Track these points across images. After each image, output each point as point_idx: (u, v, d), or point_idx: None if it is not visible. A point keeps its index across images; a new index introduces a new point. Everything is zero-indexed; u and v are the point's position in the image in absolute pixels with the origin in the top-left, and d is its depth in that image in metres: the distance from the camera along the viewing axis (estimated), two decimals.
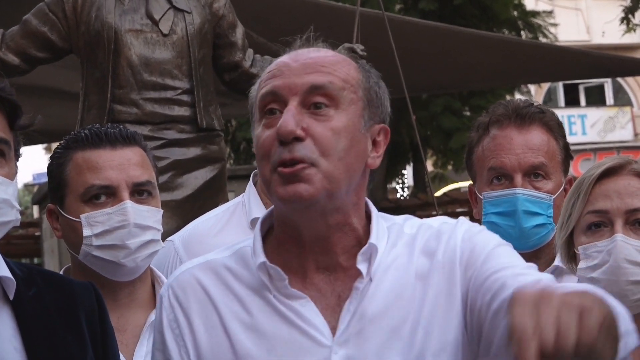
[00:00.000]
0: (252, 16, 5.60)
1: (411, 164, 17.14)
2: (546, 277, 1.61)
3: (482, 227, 1.77)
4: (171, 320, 1.73)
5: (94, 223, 2.35)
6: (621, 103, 26.17)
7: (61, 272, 2.44)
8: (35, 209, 20.64)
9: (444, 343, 1.66)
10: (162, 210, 2.45)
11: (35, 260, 16.43)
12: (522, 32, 14.55)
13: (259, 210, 2.60)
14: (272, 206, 1.77)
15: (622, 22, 13.89)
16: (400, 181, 18.29)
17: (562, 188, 2.57)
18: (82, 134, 2.41)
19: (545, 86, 24.16)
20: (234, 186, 5.74)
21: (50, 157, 2.47)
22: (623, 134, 25.34)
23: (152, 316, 2.38)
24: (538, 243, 2.56)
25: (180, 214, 3.81)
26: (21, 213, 1.97)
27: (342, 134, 1.66)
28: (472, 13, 13.64)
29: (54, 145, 2.78)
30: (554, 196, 2.55)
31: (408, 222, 1.78)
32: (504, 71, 9.15)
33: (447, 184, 17.85)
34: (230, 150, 15.66)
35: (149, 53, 3.88)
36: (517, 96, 13.62)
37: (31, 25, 3.92)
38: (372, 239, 1.70)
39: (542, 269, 2.53)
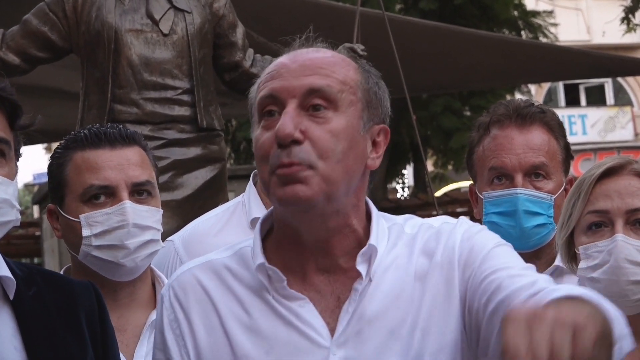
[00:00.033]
0: (252, 16, 5.60)
1: (411, 164, 17.16)
2: (543, 278, 1.60)
3: (482, 227, 1.76)
4: (172, 320, 1.73)
5: (93, 223, 2.35)
6: (621, 103, 26.17)
7: (61, 272, 2.44)
8: (36, 208, 20.64)
9: (442, 344, 1.66)
10: (162, 210, 2.45)
11: (36, 260, 16.43)
12: (523, 32, 14.56)
13: (259, 210, 2.60)
14: (272, 206, 1.76)
15: (622, 22, 13.88)
16: (400, 181, 18.30)
17: (562, 188, 2.57)
18: (82, 134, 2.41)
19: (546, 86, 24.16)
20: (234, 186, 5.74)
21: (50, 157, 2.47)
22: (623, 133, 25.35)
23: (153, 316, 2.38)
24: (539, 243, 2.56)
25: (181, 213, 3.81)
26: (21, 213, 1.97)
27: (340, 136, 1.65)
28: (473, 13, 13.64)
29: (54, 145, 2.77)
30: (555, 196, 2.54)
31: (409, 222, 1.78)
32: (504, 71, 9.16)
33: (447, 184, 17.86)
34: (231, 150, 15.66)
35: (149, 53, 3.88)
36: (518, 96, 13.62)
37: (31, 25, 3.92)
38: (372, 240, 1.70)
39: (542, 268, 2.54)
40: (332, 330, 1.67)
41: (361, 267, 1.68)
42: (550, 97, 25.61)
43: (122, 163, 2.37)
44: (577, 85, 25.74)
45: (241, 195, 2.76)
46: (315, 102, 1.65)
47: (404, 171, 17.88)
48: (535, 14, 15.20)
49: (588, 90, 26.37)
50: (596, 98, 26.34)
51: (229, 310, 1.71)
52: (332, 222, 1.68)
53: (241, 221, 2.68)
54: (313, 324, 1.67)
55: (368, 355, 1.65)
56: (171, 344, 1.72)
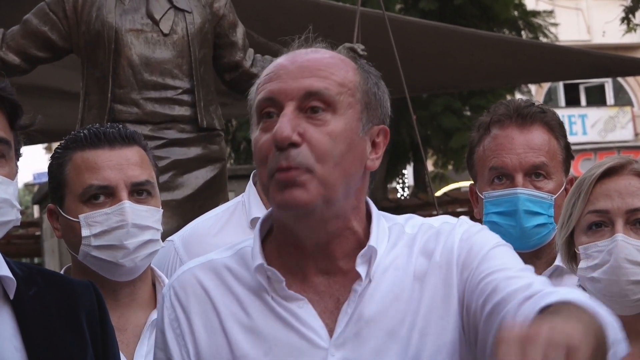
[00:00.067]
0: (252, 16, 5.60)
1: (411, 164, 17.16)
2: (539, 280, 1.60)
3: (482, 227, 1.76)
4: (172, 319, 1.73)
5: (92, 223, 2.34)
6: (622, 103, 26.17)
7: (62, 272, 2.44)
8: (36, 208, 20.64)
9: (440, 345, 1.65)
10: (162, 210, 2.44)
11: (36, 260, 16.44)
12: (523, 32, 14.55)
13: (259, 210, 2.59)
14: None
15: (622, 22, 13.88)
16: (400, 181, 18.29)
17: (563, 188, 2.57)
18: (81, 134, 2.41)
19: (546, 86, 24.16)
20: (234, 186, 5.74)
21: (51, 157, 2.47)
22: (623, 133, 25.35)
23: (153, 316, 2.38)
24: (539, 243, 2.56)
25: (181, 213, 3.81)
26: (21, 213, 1.97)
27: (339, 139, 1.64)
28: (473, 13, 13.64)
29: (55, 145, 2.78)
30: (555, 196, 2.54)
31: (410, 222, 1.77)
32: (504, 71, 9.16)
33: (447, 184, 17.86)
34: (231, 150, 15.66)
35: (149, 53, 3.88)
36: (518, 96, 13.62)
37: (32, 25, 3.92)
38: (372, 241, 1.69)
39: (543, 268, 2.54)
40: (331, 332, 1.67)
41: (361, 269, 1.68)
42: (550, 97, 25.61)
43: (122, 163, 2.36)
44: (577, 85, 25.74)
45: (241, 195, 2.76)
46: (313, 104, 1.65)
47: (404, 171, 17.87)
48: (535, 13, 15.20)
49: (588, 90, 26.37)
50: (596, 98, 26.34)
51: (228, 310, 1.71)
52: (332, 225, 1.68)
53: (241, 221, 2.68)
54: (312, 325, 1.67)
55: (366, 356, 1.65)
56: (171, 344, 1.72)
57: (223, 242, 1.97)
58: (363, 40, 4.72)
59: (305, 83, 1.66)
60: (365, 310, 1.67)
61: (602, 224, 2.11)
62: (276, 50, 1.84)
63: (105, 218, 2.34)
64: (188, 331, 1.72)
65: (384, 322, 1.66)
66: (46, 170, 2.53)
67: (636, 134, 25.51)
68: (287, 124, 1.63)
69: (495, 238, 1.73)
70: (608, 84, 26.05)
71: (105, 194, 2.35)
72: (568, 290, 1.52)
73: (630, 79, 25.06)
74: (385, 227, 1.75)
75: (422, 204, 14.30)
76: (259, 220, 1.78)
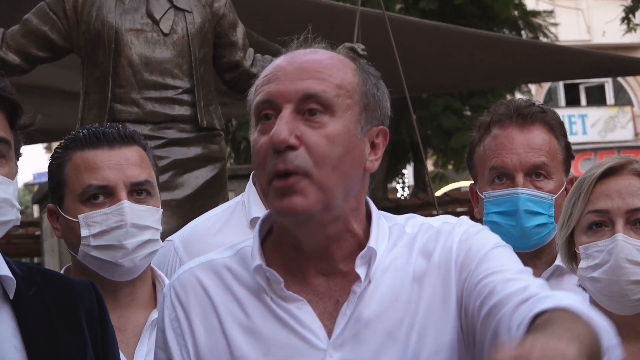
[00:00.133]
0: (252, 15, 5.60)
1: (411, 164, 17.16)
2: (535, 283, 1.59)
3: (482, 227, 1.75)
4: (172, 319, 1.73)
5: (91, 223, 2.34)
6: (622, 103, 26.17)
7: (62, 272, 2.44)
8: (36, 208, 20.64)
9: (439, 346, 1.65)
10: (162, 210, 2.44)
11: (36, 260, 16.44)
12: (523, 32, 14.56)
13: (259, 210, 2.59)
14: None
15: (622, 21, 13.88)
16: (400, 181, 18.30)
17: (563, 187, 2.57)
18: (81, 134, 2.41)
19: (546, 86, 24.16)
20: (234, 186, 5.74)
21: (50, 157, 2.47)
22: (623, 133, 25.35)
23: (153, 315, 2.38)
24: (539, 243, 2.56)
25: (181, 213, 3.81)
26: (21, 212, 1.97)
27: (336, 141, 1.64)
28: (473, 13, 13.64)
29: (55, 144, 2.78)
30: (556, 196, 2.54)
31: (410, 222, 1.77)
32: (504, 71, 9.16)
33: (447, 184, 17.86)
34: (231, 150, 15.66)
35: (149, 52, 3.88)
36: (518, 96, 13.62)
37: (32, 25, 3.92)
38: (371, 242, 1.69)
39: (543, 268, 2.54)
40: (330, 333, 1.66)
41: (360, 270, 1.68)
42: (551, 96, 25.61)
43: (121, 163, 2.36)
44: (577, 85, 25.74)
45: (241, 194, 2.76)
46: (311, 107, 1.64)
47: (404, 171, 17.88)
48: (535, 13, 15.20)
49: (588, 90, 26.37)
50: (596, 98, 26.33)
51: (228, 310, 1.71)
52: (331, 229, 1.67)
53: (241, 221, 2.68)
54: (310, 326, 1.67)
55: (365, 357, 1.64)
56: (172, 343, 1.72)
57: (223, 241, 1.97)
58: (363, 40, 4.72)
59: (302, 85, 1.65)
60: (364, 312, 1.66)
61: (602, 224, 2.11)
62: (276, 50, 1.84)
63: (105, 218, 2.34)
64: (188, 331, 1.72)
65: (383, 323, 1.66)
66: (46, 170, 2.53)
67: (636, 134, 25.51)
68: (284, 127, 1.62)
69: (494, 239, 1.72)
70: (608, 83, 26.05)
71: (105, 194, 2.35)
72: (563, 295, 1.52)
73: (630, 79, 25.06)
74: (386, 228, 1.75)
75: (422, 203, 14.30)
76: (259, 221, 1.78)
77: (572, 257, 2.19)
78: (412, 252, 1.71)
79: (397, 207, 13.88)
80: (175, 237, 2.76)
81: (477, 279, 1.64)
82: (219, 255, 1.78)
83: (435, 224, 1.75)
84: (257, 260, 1.70)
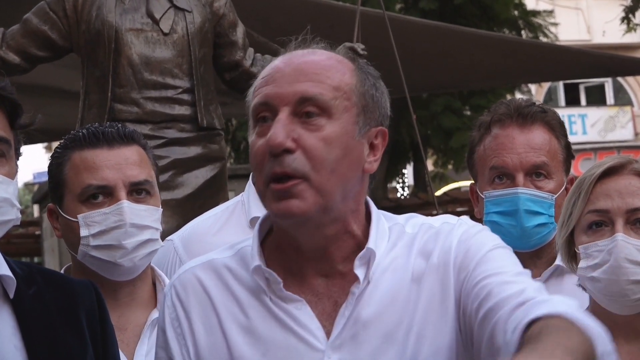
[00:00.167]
0: (252, 15, 5.60)
1: (411, 164, 17.17)
2: (532, 287, 1.58)
3: (482, 228, 1.75)
4: (173, 319, 1.73)
5: (91, 223, 2.34)
6: (621, 102, 26.17)
7: (62, 271, 2.44)
8: (36, 208, 20.64)
9: (437, 348, 1.65)
10: (162, 209, 2.44)
11: (36, 260, 16.44)
12: (523, 32, 14.57)
13: (259, 210, 2.59)
14: None
15: (622, 21, 13.89)
16: (400, 180, 18.31)
17: (563, 187, 2.57)
18: (80, 133, 2.41)
19: (546, 86, 24.17)
20: (234, 185, 5.73)
21: (50, 157, 2.47)
22: (623, 133, 25.35)
23: (153, 315, 2.38)
24: (539, 242, 2.56)
25: (181, 213, 3.80)
26: (21, 212, 1.97)
27: (334, 144, 1.63)
28: (473, 12, 13.65)
29: (55, 144, 2.78)
30: (556, 195, 2.54)
31: (410, 222, 1.77)
32: (504, 71, 9.16)
33: (447, 184, 17.87)
34: (231, 150, 15.67)
35: (149, 52, 3.88)
36: (518, 95, 13.62)
37: (32, 24, 3.92)
38: (370, 243, 1.69)
39: (543, 268, 2.54)
40: (328, 333, 1.66)
41: (359, 271, 1.67)
42: (550, 96, 25.61)
43: (120, 162, 2.36)
44: (577, 84, 25.74)
45: (241, 194, 2.75)
46: (308, 109, 1.63)
47: (404, 170, 17.88)
48: (535, 13, 15.21)
49: (588, 89, 26.37)
50: (596, 98, 26.33)
51: (227, 310, 1.71)
52: (330, 230, 1.67)
53: (240, 220, 2.68)
54: (309, 327, 1.67)
55: (363, 358, 1.64)
56: (172, 343, 1.72)
57: (222, 241, 1.97)
58: (363, 39, 4.72)
59: (299, 88, 1.64)
60: (363, 313, 1.66)
61: (602, 224, 2.11)
62: (276, 50, 1.83)
63: (104, 218, 2.34)
64: (188, 330, 1.72)
65: (381, 324, 1.66)
66: (46, 169, 2.53)
67: (636, 134, 25.51)
68: (280, 129, 1.62)
69: (493, 240, 1.72)
70: (608, 83, 26.05)
71: (104, 194, 2.35)
72: (558, 300, 1.51)
73: (630, 79, 25.07)
74: (386, 228, 1.74)
75: (422, 203, 14.30)
76: (259, 220, 1.78)
77: (572, 257, 2.19)
78: (411, 253, 1.71)
79: (397, 207, 13.88)
80: (175, 237, 2.76)
81: (475, 281, 1.63)
82: (219, 255, 1.78)
83: (435, 224, 1.75)
84: (256, 260, 1.70)
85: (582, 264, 2.12)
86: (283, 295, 1.68)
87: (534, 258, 2.55)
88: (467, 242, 1.69)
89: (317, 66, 1.67)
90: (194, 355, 1.71)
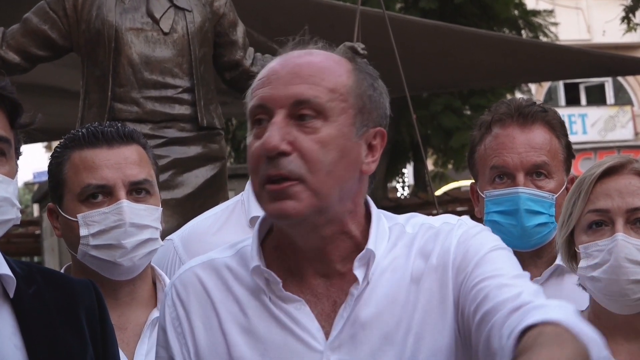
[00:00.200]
0: (252, 15, 5.60)
1: (411, 163, 17.17)
2: (528, 291, 1.58)
3: (482, 229, 1.74)
4: (174, 318, 1.74)
5: (90, 223, 2.34)
6: (622, 102, 26.17)
7: (62, 271, 2.44)
8: (36, 207, 20.65)
9: (436, 349, 1.65)
10: (161, 209, 2.44)
11: (36, 259, 16.45)
12: (523, 31, 14.56)
13: (259, 209, 2.56)
14: None
15: (622, 21, 13.88)
16: (400, 180, 18.32)
17: (564, 187, 2.57)
18: (80, 133, 2.41)
19: (546, 85, 24.16)
20: (234, 185, 5.74)
21: (50, 156, 2.47)
22: (624, 133, 25.35)
23: (153, 314, 2.38)
24: (540, 242, 2.56)
25: (181, 212, 3.80)
26: (21, 211, 1.97)
27: (330, 146, 1.63)
28: (473, 12, 13.64)
29: (55, 143, 2.78)
30: (556, 195, 2.54)
31: (411, 221, 1.76)
32: (504, 70, 9.16)
33: (447, 183, 17.86)
34: (231, 149, 15.68)
35: (149, 51, 3.88)
36: (518, 95, 13.63)
37: (32, 24, 3.92)
38: (370, 244, 1.68)
39: (543, 267, 2.54)
40: (327, 334, 1.66)
41: (358, 272, 1.67)
42: (551, 96, 25.61)
43: (120, 162, 2.36)
44: (577, 84, 25.73)
45: (240, 193, 2.75)
46: (303, 112, 1.63)
47: (404, 170, 17.89)
48: (535, 13, 15.21)
49: (588, 89, 26.36)
50: (596, 97, 26.33)
51: (227, 310, 1.71)
52: (326, 231, 1.67)
53: (240, 220, 2.68)
54: (308, 327, 1.66)
55: (362, 359, 1.64)
56: (173, 342, 1.73)
57: (222, 240, 1.97)
58: (363, 39, 4.72)
59: (295, 90, 1.64)
60: (362, 314, 1.66)
61: (602, 223, 2.11)
62: (275, 49, 1.83)
63: (103, 217, 2.34)
64: (188, 330, 1.72)
65: (380, 325, 1.65)
66: (46, 169, 2.53)
67: (636, 133, 25.51)
68: (276, 132, 1.61)
69: (493, 241, 1.71)
70: (608, 83, 26.05)
71: (104, 193, 2.35)
72: (554, 305, 1.51)
73: (631, 79, 25.06)
74: (386, 228, 1.74)
75: (422, 203, 14.31)
76: (258, 220, 1.77)
77: (572, 257, 2.19)
78: (411, 253, 1.71)
79: (397, 207, 13.88)
80: (175, 236, 2.76)
81: (473, 283, 1.63)
82: (219, 254, 1.78)
83: (435, 224, 1.74)
84: (256, 261, 1.70)
85: (582, 263, 2.12)
86: (282, 296, 1.68)
87: (535, 258, 2.55)
88: (466, 242, 1.69)
89: (313, 68, 1.67)
90: (194, 355, 1.71)
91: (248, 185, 2.73)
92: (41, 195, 13.44)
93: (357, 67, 1.72)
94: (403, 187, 18.61)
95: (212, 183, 4.01)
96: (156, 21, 3.89)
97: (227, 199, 3.59)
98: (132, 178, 2.36)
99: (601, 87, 26.29)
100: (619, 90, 26.50)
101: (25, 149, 2.05)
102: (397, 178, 17.90)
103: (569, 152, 2.63)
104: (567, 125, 2.70)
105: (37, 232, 14.41)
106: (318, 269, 1.70)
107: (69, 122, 4.24)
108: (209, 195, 3.95)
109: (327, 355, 1.65)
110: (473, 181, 2.68)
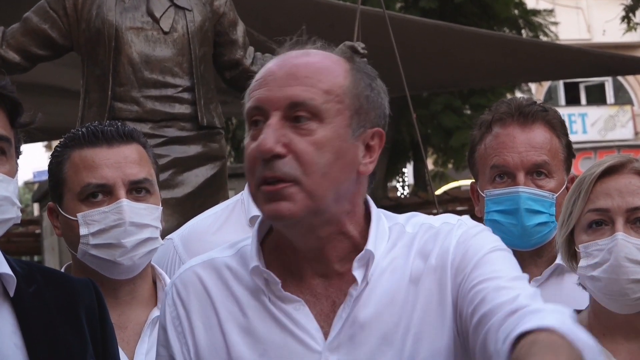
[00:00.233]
0: (252, 14, 5.61)
1: (412, 163, 17.17)
2: (525, 294, 1.57)
3: (481, 229, 1.73)
4: (174, 317, 1.74)
5: (90, 222, 2.34)
6: (622, 102, 26.17)
7: (62, 270, 2.44)
8: (36, 206, 20.66)
9: (435, 349, 1.65)
10: (161, 208, 2.44)
11: (36, 258, 16.44)
12: (523, 31, 14.57)
13: None
14: None
15: (622, 20, 13.87)
16: (400, 179, 18.32)
17: (564, 186, 2.57)
18: (79, 132, 2.41)
19: (546, 85, 24.17)
20: (234, 184, 5.73)
21: (50, 155, 2.47)
22: (623, 132, 25.35)
23: (153, 313, 2.38)
24: (540, 241, 2.56)
25: (181, 211, 3.80)
26: (21, 211, 1.97)
27: (325, 148, 1.62)
28: (473, 11, 13.65)
29: (55, 143, 2.78)
30: (557, 194, 2.54)
31: (411, 221, 1.76)
32: (504, 70, 9.16)
33: (447, 183, 17.87)
34: (231, 148, 15.68)
35: (149, 51, 3.88)
36: (518, 94, 13.63)
37: (32, 23, 3.92)
38: (369, 245, 1.68)
39: (544, 267, 2.54)
40: (326, 334, 1.66)
41: (357, 273, 1.67)
42: (551, 95, 25.61)
43: (120, 161, 2.36)
44: (577, 84, 25.74)
45: (240, 193, 2.75)
46: (298, 114, 1.63)
47: (404, 169, 17.89)
48: (535, 12, 15.21)
49: (588, 89, 26.37)
50: (596, 97, 26.33)
51: (227, 310, 1.71)
52: (322, 232, 1.67)
53: (240, 219, 2.68)
54: (307, 328, 1.66)
55: None
56: (173, 341, 1.73)
57: (222, 240, 1.97)
58: (363, 38, 4.71)
59: (290, 92, 1.64)
60: (360, 314, 1.66)
61: (602, 223, 2.11)
62: (275, 49, 1.83)
63: (103, 217, 2.34)
64: (188, 329, 1.72)
65: (379, 326, 1.65)
66: (46, 168, 2.53)
67: (636, 133, 25.51)
68: (271, 135, 1.61)
69: (492, 242, 1.71)
70: (608, 82, 26.05)
71: (103, 193, 2.35)
72: (550, 310, 1.51)
73: (631, 78, 25.06)
74: (386, 228, 1.74)
75: (422, 202, 14.31)
76: (258, 220, 1.77)
77: (572, 256, 2.19)
78: (410, 253, 1.70)
79: (397, 206, 13.88)
80: (175, 236, 2.76)
81: (471, 285, 1.63)
82: (220, 254, 1.78)
83: (435, 223, 1.74)
84: (255, 261, 1.70)
85: (582, 263, 2.12)
86: (282, 296, 1.68)
87: (535, 257, 2.55)
88: (466, 243, 1.68)
89: (309, 69, 1.66)
90: (194, 354, 1.71)
91: (247, 185, 2.73)
92: (41, 194, 13.45)
93: (354, 67, 1.71)
94: (403, 187, 18.61)
95: (212, 182, 4.01)
96: (156, 20, 3.89)
97: (227, 198, 3.59)
98: (132, 177, 2.36)
99: (601, 87, 26.29)
100: (619, 90, 26.50)
101: (25, 148, 2.05)
102: (397, 177, 17.91)
103: (570, 152, 2.63)
104: (567, 124, 2.70)
105: (37, 231, 14.41)
106: (317, 270, 1.70)
107: (69, 121, 4.23)
108: (209, 195, 3.95)
109: (325, 355, 1.65)
110: (473, 180, 2.68)
